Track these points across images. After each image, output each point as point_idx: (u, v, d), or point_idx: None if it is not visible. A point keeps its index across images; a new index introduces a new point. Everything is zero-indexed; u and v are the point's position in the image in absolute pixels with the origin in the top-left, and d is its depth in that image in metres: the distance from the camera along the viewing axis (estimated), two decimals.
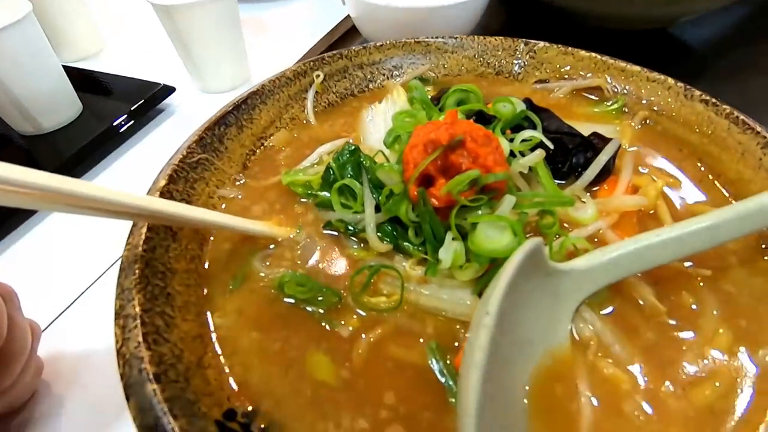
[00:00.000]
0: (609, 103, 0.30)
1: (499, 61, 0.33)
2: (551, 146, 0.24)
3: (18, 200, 0.14)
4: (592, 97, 0.31)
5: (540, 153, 0.23)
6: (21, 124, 0.36)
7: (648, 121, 0.29)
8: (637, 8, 0.40)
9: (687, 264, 0.21)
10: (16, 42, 0.33)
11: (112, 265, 0.28)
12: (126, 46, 0.50)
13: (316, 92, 0.30)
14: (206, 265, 0.21)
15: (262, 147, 0.27)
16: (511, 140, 0.24)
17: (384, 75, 0.32)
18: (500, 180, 0.20)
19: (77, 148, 0.35)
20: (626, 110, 0.30)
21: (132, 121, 0.38)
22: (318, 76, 0.30)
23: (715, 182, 0.25)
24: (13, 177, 0.13)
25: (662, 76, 0.28)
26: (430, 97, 0.29)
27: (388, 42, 0.32)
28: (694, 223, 0.19)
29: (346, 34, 0.46)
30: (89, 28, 0.48)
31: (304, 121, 0.29)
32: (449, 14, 0.37)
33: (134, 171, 0.35)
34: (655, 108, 0.29)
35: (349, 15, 0.41)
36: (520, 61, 0.32)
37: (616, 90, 0.30)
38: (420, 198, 0.20)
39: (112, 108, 0.39)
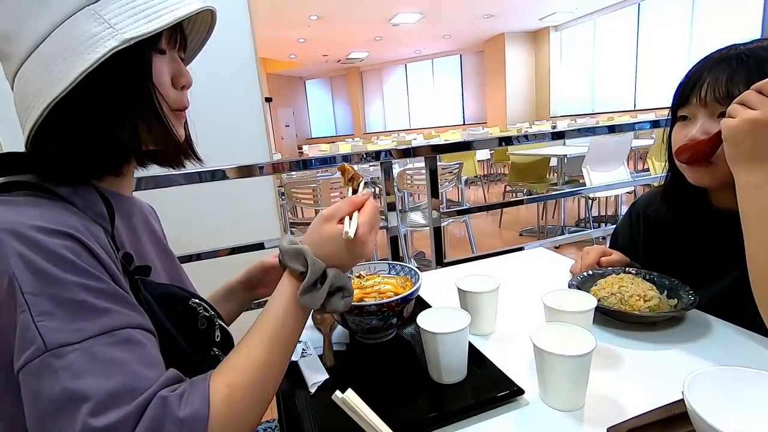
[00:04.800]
0: None
1: None
2: None
3: None
4: None
5: None
6: (435, 375, 0.62)
7: None
8: None
9: None
10: (456, 339, 0.59)
11: None
12: (505, 335, 0.73)
13: None
14: None
15: None
16: None
17: None
18: None
19: (458, 407, 0.56)
20: None
21: (495, 403, 0.56)
22: None
23: None
24: None
25: None
26: None
27: None
28: None
29: None
30: (493, 318, 0.75)
31: None
32: None
33: None
34: None
35: None
36: None
37: None
38: None
39: (483, 385, 0.60)
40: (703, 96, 0.69)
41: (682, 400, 0.50)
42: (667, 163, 0.83)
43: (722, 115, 0.67)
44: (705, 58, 0.73)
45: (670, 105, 0.79)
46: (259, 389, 0.43)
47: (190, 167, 0.61)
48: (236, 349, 0.45)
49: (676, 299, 0.74)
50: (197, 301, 0.54)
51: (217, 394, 0.39)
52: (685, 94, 0.73)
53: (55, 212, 0.40)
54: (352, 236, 0.47)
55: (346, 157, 1.47)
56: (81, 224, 0.41)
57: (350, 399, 0.39)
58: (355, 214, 0.50)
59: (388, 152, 1.47)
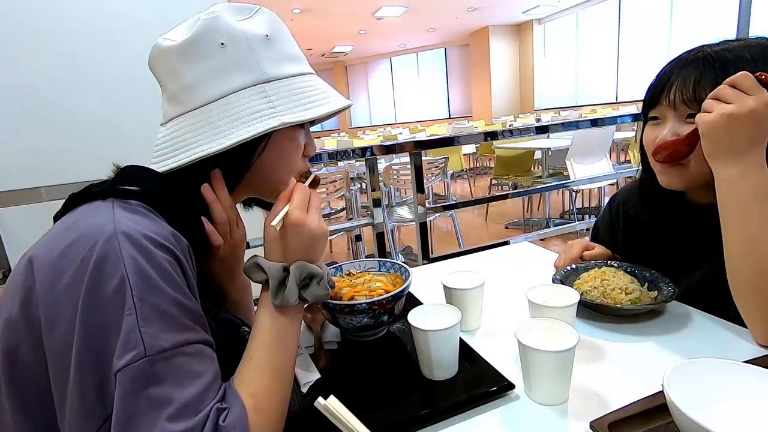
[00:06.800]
0: None
1: None
2: None
3: None
4: None
5: None
6: (427, 372, 0.63)
7: None
8: None
9: None
10: (447, 335, 0.60)
11: None
12: (490, 331, 0.75)
13: None
14: None
15: None
16: None
17: None
18: None
19: (450, 403, 0.56)
20: None
21: (486, 398, 0.57)
22: None
23: None
24: None
25: None
26: None
27: None
28: None
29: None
30: (478, 314, 0.76)
31: None
32: None
33: None
34: None
35: None
36: None
37: None
38: None
39: (474, 381, 0.61)
40: (672, 98, 0.70)
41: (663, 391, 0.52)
42: (640, 163, 0.84)
43: (691, 116, 0.68)
44: (675, 59, 0.73)
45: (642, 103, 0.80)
46: (278, 394, 0.46)
47: None
48: (242, 364, 0.47)
49: (656, 291, 0.76)
50: (247, 329, 0.56)
51: (246, 401, 0.42)
52: (655, 95, 0.74)
53: (159, 225, 0.44)
54: (278, 226, 0.48)
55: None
56: (176, 241, 0.44)
57: (332, 405, 0.40)
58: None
59: (372, 149, 1.47)
